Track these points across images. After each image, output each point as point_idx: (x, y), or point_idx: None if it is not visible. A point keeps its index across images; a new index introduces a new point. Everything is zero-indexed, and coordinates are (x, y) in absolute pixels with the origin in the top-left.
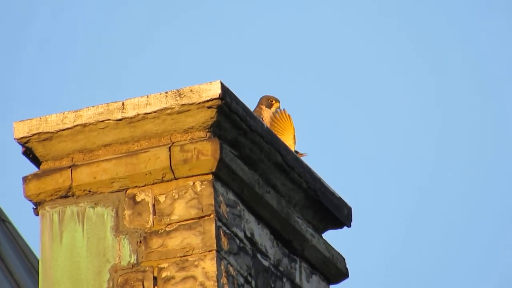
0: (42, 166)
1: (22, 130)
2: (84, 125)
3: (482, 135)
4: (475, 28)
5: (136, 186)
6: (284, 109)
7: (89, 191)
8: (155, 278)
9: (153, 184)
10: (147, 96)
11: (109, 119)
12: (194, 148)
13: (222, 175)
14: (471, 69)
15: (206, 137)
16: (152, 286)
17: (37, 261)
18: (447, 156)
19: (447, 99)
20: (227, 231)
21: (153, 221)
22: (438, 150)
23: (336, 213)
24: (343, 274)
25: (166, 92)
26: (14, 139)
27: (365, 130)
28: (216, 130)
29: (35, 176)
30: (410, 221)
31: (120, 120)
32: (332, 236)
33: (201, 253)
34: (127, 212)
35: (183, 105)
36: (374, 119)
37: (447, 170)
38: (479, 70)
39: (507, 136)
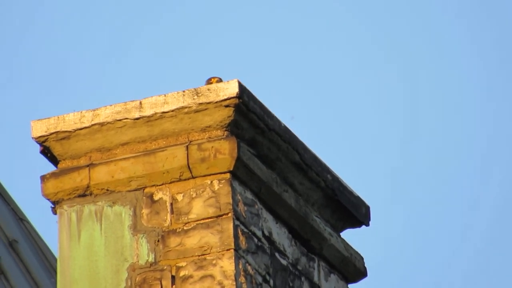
0: (60, 165)
1: (40, 129)
2: (101, 124)
3: (488, 133)
4: (442, 30)
5: (153, 185)
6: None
7: (107, 190)
8: (173, 277)
9: (170, 183)
10: (165, 95)
11: (126, 118)
12: (212, 147)
13: (239, 174)
14: (441, 73)
15: (223, 136)
16: (170, 285)
17: (55, 260)
18: (457, 156)
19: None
20: (245, 230)
21: (171, 220)
22: (447, 148)
23: (354, 212)
24: (361, 273)
25: (184, 91)
26: (32, 138)
27: (383, 129)
28: (233, 129)
29: (53, 175)
30: (428, 218)
31: (137, 119)
32: (350, 235)
33: (219, 252)
34: (145, 211)
35: (200, 104)
36: (392, 118)
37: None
38: (447, 73)
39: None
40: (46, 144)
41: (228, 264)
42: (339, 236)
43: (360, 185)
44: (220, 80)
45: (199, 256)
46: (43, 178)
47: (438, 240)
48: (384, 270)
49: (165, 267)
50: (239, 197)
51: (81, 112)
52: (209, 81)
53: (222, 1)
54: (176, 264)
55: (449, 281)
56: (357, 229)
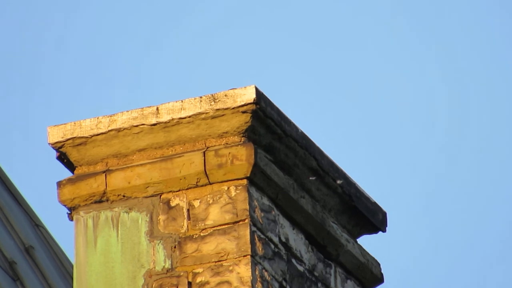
0: (77, 171)
1: (56, 135)
2: (118, 130)
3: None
4: (484, 23)
5: (170, 191)
6: None
7: (124, 196)
8: (189, 283)
9: (187, 189)
10: (182, 101)
11: (143, 124)
12: (229, 153)
13: (256, 180)
14: (482, 66)
15: (240, 142)
16: None
17: (72, 266)
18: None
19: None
20: (262, 236)
21: (187, 226)
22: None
23: (371, 218)
24: (378, 279)
25: (201, 97)
26: (48, 144)
27: (402, 134)
28: (250, 135)
29: (70, 181)
30: (445, 225)
31: (154, 124)
32: (367, 241)
33: (235, 258)
34: (162, 217)
35: (217, 110)
36: (404, 121)
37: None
38: (491, 67)
39: None
40: (62, 150)
41: (244, 270)
42: (356, 242)
43: (377, 190)
44: None
45: (215, 262)
46: (59, 184)
47: (454, 245)
48: (400, 276)
49: (181, 273)
50: (256, 203)
51: (97, 118)
52: None
53: (239, 5)
54: (193, 270)
55: (464, 286)
56: (374, 235)
